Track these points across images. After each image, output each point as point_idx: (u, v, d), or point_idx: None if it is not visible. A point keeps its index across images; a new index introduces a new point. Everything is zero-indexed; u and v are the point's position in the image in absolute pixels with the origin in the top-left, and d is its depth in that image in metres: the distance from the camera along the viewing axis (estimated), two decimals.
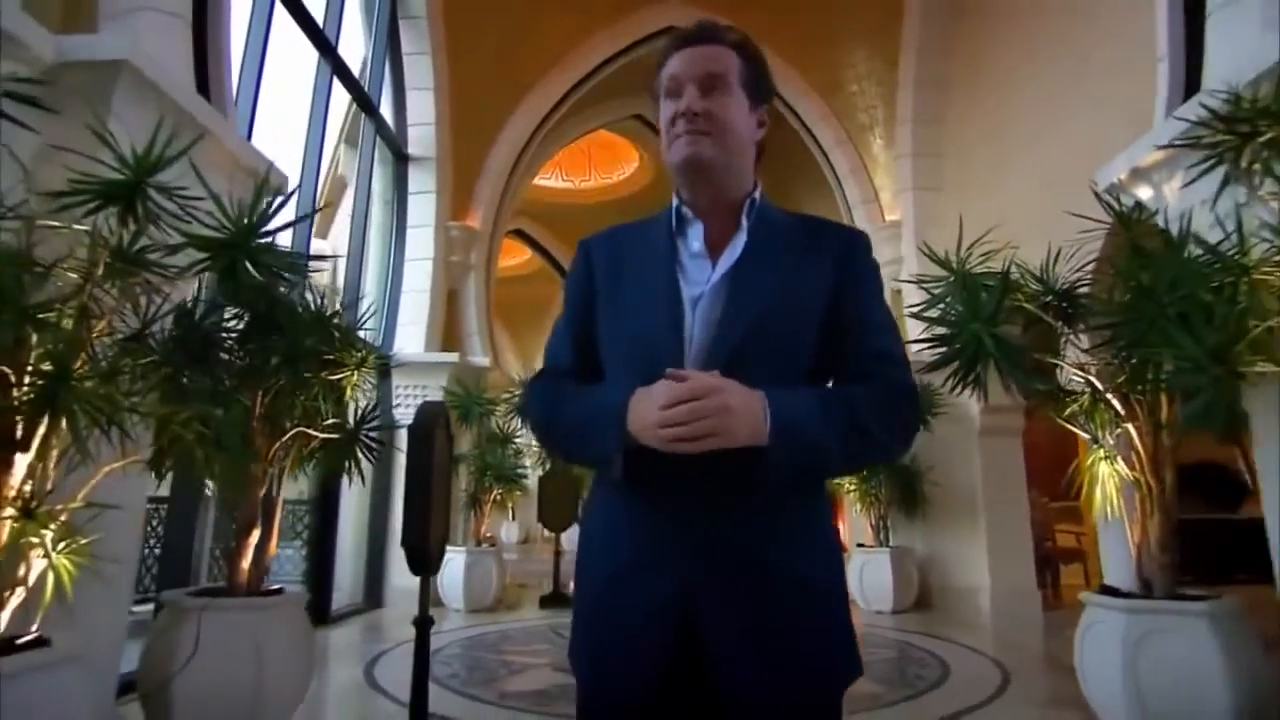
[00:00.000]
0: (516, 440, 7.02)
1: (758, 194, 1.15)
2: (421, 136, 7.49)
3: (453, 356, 7.06)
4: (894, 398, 1.06)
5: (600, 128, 9.87)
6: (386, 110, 7.20)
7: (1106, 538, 4.07)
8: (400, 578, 6.81)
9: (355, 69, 6.49)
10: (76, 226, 1.99)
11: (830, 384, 1.10)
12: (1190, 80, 2.96)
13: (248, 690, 2.79)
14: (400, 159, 7.43)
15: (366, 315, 4.00)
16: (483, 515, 6.86)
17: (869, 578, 6.68)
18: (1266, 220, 2.08)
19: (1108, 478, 3.05)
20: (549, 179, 12.43)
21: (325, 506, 5.98)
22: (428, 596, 2.86)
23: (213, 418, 2.15)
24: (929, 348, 2.91)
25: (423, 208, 7.50)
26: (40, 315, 1.78)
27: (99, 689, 2.61)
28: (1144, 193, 3.12)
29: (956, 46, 7.31)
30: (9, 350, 1.77)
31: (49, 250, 1.99)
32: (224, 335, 2.89)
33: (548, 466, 7.20)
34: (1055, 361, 2.94)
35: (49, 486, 1.94)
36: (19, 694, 1.76)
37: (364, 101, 6.66)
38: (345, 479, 3.49)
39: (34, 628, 1.88)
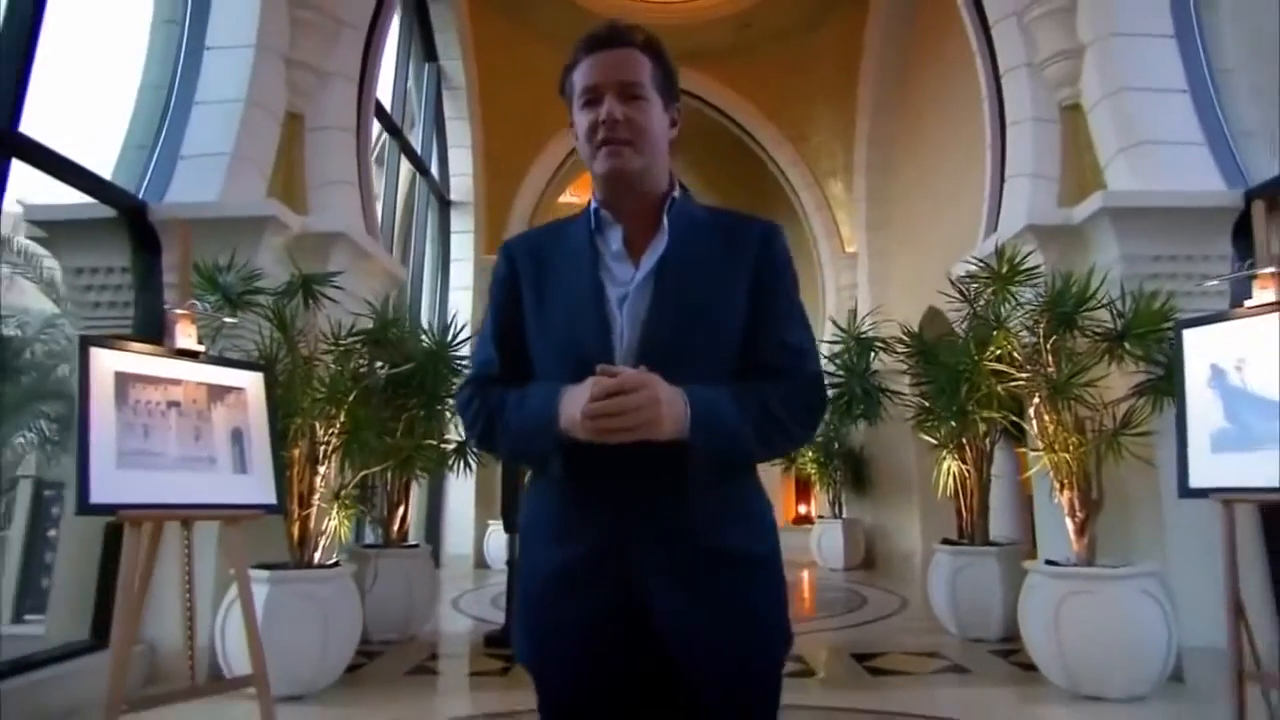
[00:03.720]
0: None
1: (677, 193, 1.17)
2: (461, 185, 9.11)
3: None
4: (803, 388, 1.11)
5: None
6: (433, 165, 8.80)
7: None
8: (451, 547, 8.57)
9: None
10: (333, 345, 3.66)
11: (750, 374, 1.10)
12: (999, 220, 4.58)
13: (404, 606, 4.50)
14: (444, 204, 9.04)
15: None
16: None
17: (825, 543, 8.44)
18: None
19: (947, 471, 4.73)
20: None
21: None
22: (514, 546, 4.55)
23: (424, 445, 3.88)
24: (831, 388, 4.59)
25: (463, 245, 9.14)
26: (339, 396, 3.46)
27: None
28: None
29: (901, 107, 8.87)
30: (326, 416, 3.46)
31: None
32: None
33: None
34: (903, 393, 4.64)
35: (334, 482, 3.63)
36: (326, 593, 3.45)
37: (420, 166, 8.27)
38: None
39: (333, 558, 3.59)
